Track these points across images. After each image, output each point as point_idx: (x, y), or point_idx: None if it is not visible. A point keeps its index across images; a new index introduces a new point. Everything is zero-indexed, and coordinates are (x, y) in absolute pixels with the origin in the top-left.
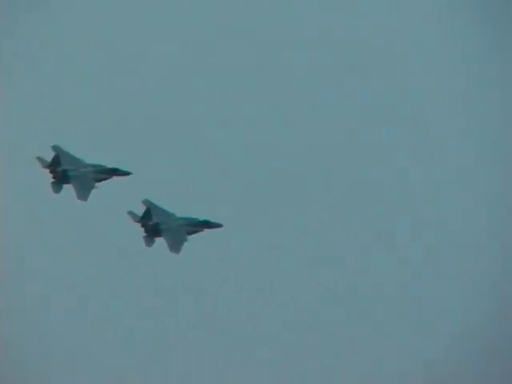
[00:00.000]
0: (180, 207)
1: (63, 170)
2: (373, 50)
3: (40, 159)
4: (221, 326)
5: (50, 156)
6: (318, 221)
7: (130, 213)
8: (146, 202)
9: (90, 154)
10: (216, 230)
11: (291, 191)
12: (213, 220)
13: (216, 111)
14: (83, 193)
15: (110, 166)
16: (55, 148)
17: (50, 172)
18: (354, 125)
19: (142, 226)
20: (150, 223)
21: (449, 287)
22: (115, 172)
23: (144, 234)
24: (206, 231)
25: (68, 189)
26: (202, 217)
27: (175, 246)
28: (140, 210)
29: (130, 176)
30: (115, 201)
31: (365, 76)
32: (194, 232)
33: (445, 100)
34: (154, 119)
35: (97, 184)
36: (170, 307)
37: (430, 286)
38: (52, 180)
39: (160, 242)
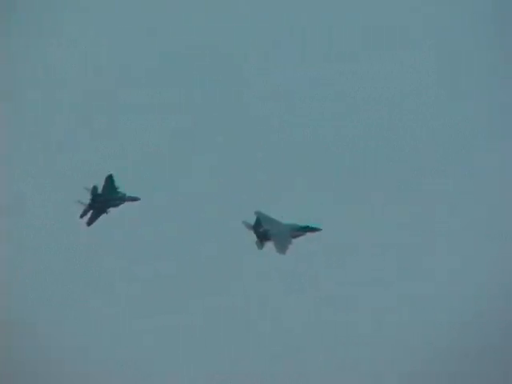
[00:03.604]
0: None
1: (264, 230)
2: None
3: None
4: None
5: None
6: None
7: (244, 222)
8: (257, 213)
9: None
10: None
11: None
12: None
13: None
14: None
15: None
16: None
17: (254, 233)
18: None
19: (254, 232)
20: (261, 230)
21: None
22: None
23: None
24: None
25: None
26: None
27: (282, 248)
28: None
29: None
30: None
31: None
32: (298, 236)
33: None
34: None
35: None
36: None
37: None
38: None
39: None
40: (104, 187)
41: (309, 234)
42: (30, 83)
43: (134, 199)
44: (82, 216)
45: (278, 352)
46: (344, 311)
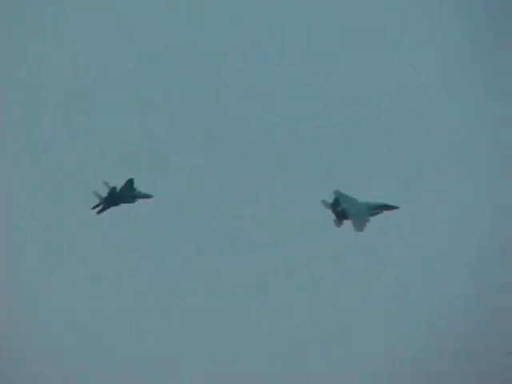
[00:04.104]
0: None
1: (342, 209)
2: None
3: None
4: None
5: None
6: None
7: (323, 201)
8: (335, 193)
9: None
10: None
11: None
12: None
13: None
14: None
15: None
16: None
17: (332, 211)
18: None
19: (333, 211)
20: (339, 209)
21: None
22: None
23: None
24: None
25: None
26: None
27: (360, 226)
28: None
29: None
30: None
31: None
32: (376, 214)
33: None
34: None
35: None
36: None
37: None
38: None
39: None
40: (122, 189)
41: (386, 212)
42: (11, 83)
43: (148, 197)
44: (94, 207)
45: (277, 352)
46: (344, 311)
